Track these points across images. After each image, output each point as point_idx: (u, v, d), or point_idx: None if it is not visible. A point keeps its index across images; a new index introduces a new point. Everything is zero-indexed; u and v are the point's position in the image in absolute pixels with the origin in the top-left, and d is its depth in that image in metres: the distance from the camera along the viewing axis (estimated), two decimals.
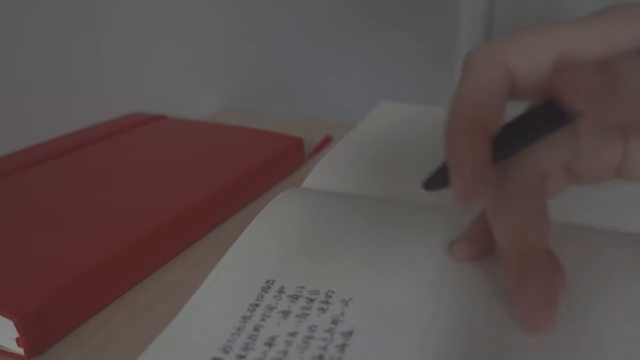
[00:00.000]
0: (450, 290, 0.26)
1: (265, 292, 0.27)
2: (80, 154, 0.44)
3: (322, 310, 0.25)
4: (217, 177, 0.39)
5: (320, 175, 0.41)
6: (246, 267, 0.29)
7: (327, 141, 0.52)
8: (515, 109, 0.23)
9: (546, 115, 0.21)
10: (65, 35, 0.51)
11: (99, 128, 0.50)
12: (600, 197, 0.35)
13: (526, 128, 0.22)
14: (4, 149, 0.45)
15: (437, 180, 0.23)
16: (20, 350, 0.26)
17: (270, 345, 0.23)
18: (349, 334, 0.24)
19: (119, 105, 0.56)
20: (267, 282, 0.27)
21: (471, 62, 0.22)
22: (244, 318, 0.25)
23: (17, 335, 0.25)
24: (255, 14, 0.74)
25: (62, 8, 0.50)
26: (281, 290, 0.27)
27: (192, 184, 0.38)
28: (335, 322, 0.24)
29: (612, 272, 0.27)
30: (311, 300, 0.26)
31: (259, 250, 0.30)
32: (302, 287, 0.27)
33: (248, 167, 0.41)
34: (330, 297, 0.26)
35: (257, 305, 0.26)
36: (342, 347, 0.23)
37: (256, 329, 0.24)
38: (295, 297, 0.26)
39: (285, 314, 0.25)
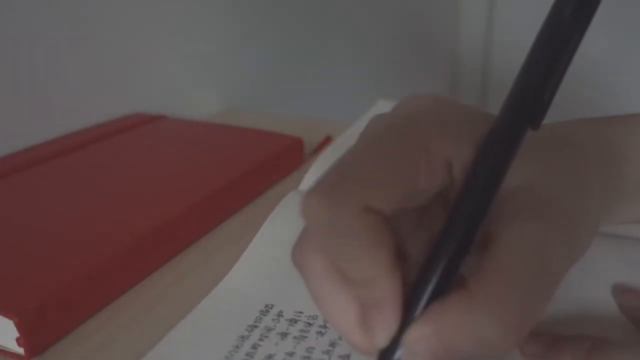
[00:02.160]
0: None
1: (264, 315, 0.27)
2: (81, 154, 0.44)
3: (321, 333, 0.25)
4: (217, 177, 0.39)
5: (316, 176, 0.41)
6: (245, 291, 0.29)
7: (327, 141, 0.52)
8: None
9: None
10: (65, 35, 0.51)
11: (99, 128, 0.50)
12: None
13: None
14: (4, 149, 0.45)
15: None
16: (21, 350, 0.26)
17: None
18: (346, 357, 0.24)
19: (119, 105, 0.56)
20: (266, 306, 0.28)
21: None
22: (242, 337, 0.25)
23: (17, 335, 0.25)
24: (255, 14, 0.74)
25: (62, 8, 0.50)
26: (280, 314, 0.27)
27: (192, 184, 0.38)
28: (333, 345, 0.25)
29: (606, 275, 0.27)
30: (309, 324, 0.26)
31: (258, 274, 0.30)
32: (301, 312, 0.27)
33: (248, 167, 0.41)
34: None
35: (256, 326, 0.26)
36: None
37: (254, 347, 0.25)
38: (293, 321, 0.26)
39: (284, 335, 0.25)
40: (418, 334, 0.17)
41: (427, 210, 0.22)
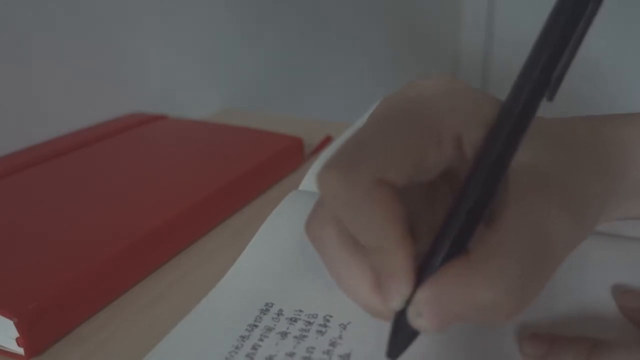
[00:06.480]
0: None
1: (264, 314, 0.27)
2: (81, 154, 0.44)
3: (321, 332, 0.25)
4: (217, 177, 0.39)
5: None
6: (245, 290, 0.29)
7: (327, 141, 0.52)
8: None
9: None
10: (65, 35, 0.51)
11: (99, 128, 0.50)
12: None
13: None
14: (4, 149, 0.45)
15: (398, 343, 0.20)
16: (20, 350, 0.26)
17: None
18: (346, 356, 0.24)
19: (119, 105, 0.56)
20: (266, 304, 0.27)
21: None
22: (242, 337, 0.25)
23: (17, 335, 0.25)
24: (255, 14, 0.74)
25: (62, 8, 0.50)
26: (280, 313, 0.27)
27: (192, 184, 0.38)
28: (333, 344, 0.25)
29: (607, 274, 0.27)
30: (309, 323, 0.26)
31: (258, 272, 0.30)
32: (301, 311, 0.27)
33: (248, 167, 0.41)
34: (328, 320, 0.26)
35: (256, 326, 0.26)
36: None
37: (254, 348, 0.25)
38: (293, 320, 0.26)
39: (284, 334, 0.25)
40: (421, 296, 0.18)
41: (434, 190, 0.22)
